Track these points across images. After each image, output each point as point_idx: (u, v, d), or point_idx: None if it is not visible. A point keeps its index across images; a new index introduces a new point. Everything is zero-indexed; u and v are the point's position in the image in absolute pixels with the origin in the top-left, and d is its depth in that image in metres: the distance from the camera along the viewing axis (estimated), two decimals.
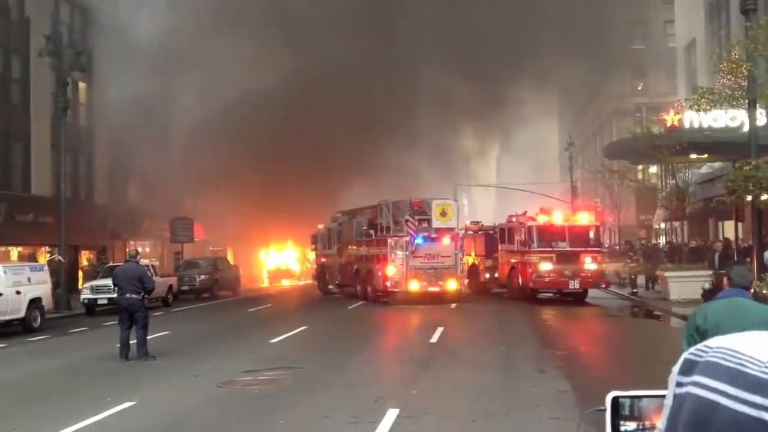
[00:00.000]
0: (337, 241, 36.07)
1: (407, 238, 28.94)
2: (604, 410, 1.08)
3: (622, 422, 1.06)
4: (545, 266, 27.99)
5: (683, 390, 0.86)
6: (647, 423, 1.05)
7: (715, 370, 0.83)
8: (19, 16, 36.92)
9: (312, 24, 50.72)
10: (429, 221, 29.53)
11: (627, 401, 1.06)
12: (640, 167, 44.60)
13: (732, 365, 0.83)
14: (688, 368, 0.87)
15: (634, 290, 30.24)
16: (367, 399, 10.93)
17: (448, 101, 61.46)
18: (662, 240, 45.83)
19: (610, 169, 43.02)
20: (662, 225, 46.53)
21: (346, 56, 49.44)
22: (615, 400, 1.04)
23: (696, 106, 19.79)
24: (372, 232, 31.92)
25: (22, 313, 21.76)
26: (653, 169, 40.43)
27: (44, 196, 36.11)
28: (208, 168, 48.30)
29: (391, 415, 9.69)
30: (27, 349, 18.69)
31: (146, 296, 16.30)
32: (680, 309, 23.06)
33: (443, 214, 29.64)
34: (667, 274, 26.91)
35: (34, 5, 37.41)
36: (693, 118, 25.16)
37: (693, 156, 29.19)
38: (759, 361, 0.83)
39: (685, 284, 24.87)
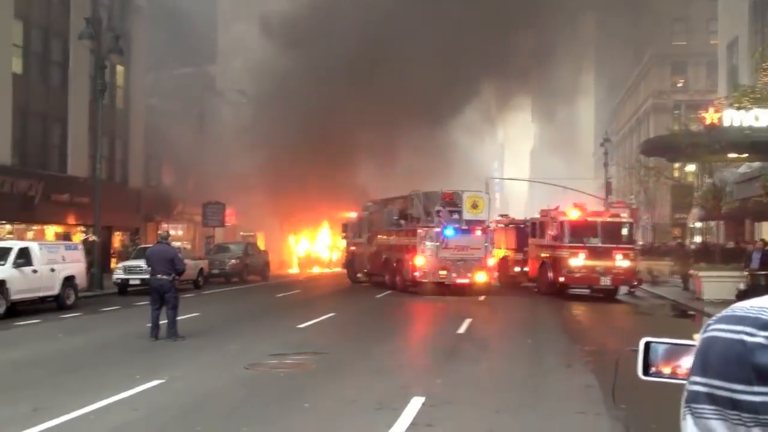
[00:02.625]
0: (368, 230, 36.13)
1: (437, 229, 28.90)
2: (637, 351, 1.27)
3: (652, 363, 1.28)
4: (576, 261, 27.78)
5: (705, 334, 1.10)
6: (672, 365, 1.26)
7: (728, 318, 1.07)
8: None
9: (348, 7, 50.66)
10: (460, 213, 29.46)
11: (658, 346, 1.28)
12: (676, 165, 44.01)
13: (738, 313, 1.07)
14: (717, 320, 1.10)
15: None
16: (392, 386, 10.95)
17: (484, 93, 61.17)
18: (697, 239, 45.26)
19: (646, 166, 42.61)
20: (697, 224, 45.94)
21: (384, 40, 49.31)
22: (647, 344, 1.26)
23: (737, 104, 19.42)
24: (402, 221, 31.93)
25: (56, 291, 22.16)
26: (690, 167, 39.82)
27: (80, 177, 36.61)
28: (241, 153, 48.59)
29: (416, 403, 9.70)
30: (60, 325, 19.00)
31: (177, 277, 16.45)
32: (713, 309, 22.77)
33: (474, 206, 29.55)
34: (700, 274, 26.56)
35: None
36: (733, 117, 24.68)
37: (732, 155, 28.71)
38: (751, 305, 1.07)
39: (719, 284, 24.54)
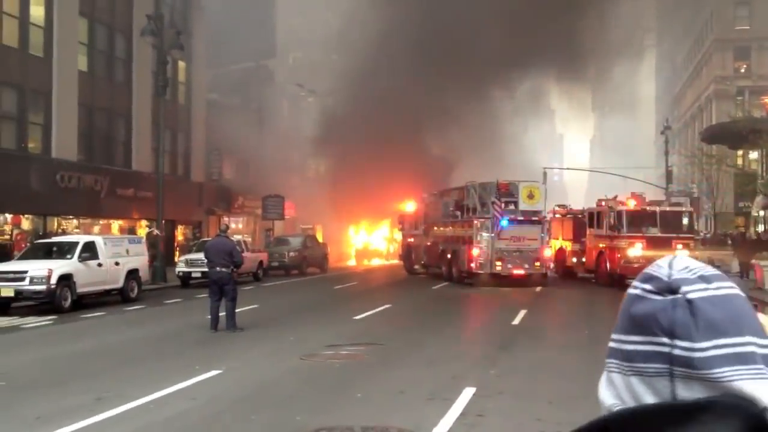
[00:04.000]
0: (424, 222, 36.23)
1: (493, 220, 28.84)
2: None
3: None
4: (634, 252, 27.45)
5: None
6: None
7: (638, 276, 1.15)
8: None
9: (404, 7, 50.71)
10: (516, 203, 29.35)
11: None
12: (739, 152, 43.02)
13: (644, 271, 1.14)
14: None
15: None
16: (444, 377, 11.09)
17: (545, 83, 60.66)
18: (761, 228, 44.17)
19: (708, 154, 41.76)
20: (761, 213, 44.84)
21: (445, 31, 49.27)
22: None
23: None
24: (458, 213, 31.93)
25: (120, 284, 22.80)
26: (753, 154, 38.93)
27: (144, 172, 37.47)
28: (300, 147, 49.09)
29: (468, 393, 9.83)
30: (124, 317, 19.60)
31: (235, 270, 16.81)
32: None
33: (530, 196, 29.41)
34: (762, 263, 26.00)
35: None
36: None
37: None
38: (659, 264, 1.13)
39: None
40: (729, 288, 1.10)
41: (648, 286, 1.10)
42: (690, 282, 1.08)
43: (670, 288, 1.08)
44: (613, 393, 1.11)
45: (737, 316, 1.07)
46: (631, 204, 28.62)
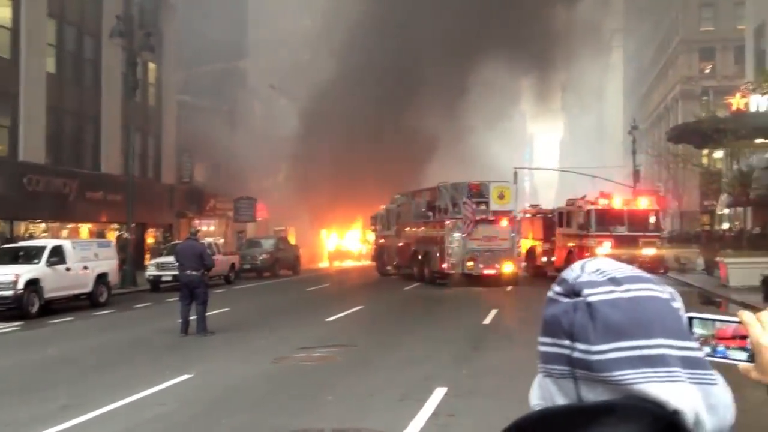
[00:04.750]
0: (396, 223, 36.31)
1: (465, 220, 29.00)
2: None
3: (699, 338, 1.25)
4: (603, 250, 27.75)
5: None
6: (721, 341, 1.26)
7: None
8: None
9: (374, 8, 50.81)
10: (487, 204, 29.54)
11: (703, 322, 1.27)
12: (705, 152, 43.60)
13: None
14: None
15: None
16: (416, 378, 11.15)
17: (514, 84, 61.04)
18: (725, 226, 44.82)
19: (674, 153, 42.31)
20: (726, 211, 45.51)
21: (414, 37, 49.46)
22: (690, 319, 1.23)
23: (759, 90, 19.33)
24: (430, 213, 32.06)
25: (89, 288, 22.61)
26: (718, 153, 39.45)
27: (113, 175, 37.13)
28: (273, 149, 48.96)
29: (439, 393, 9.90)
30: (93, 322, 19.46)
31: (206, 273, 16.76)
32: (739, 296, 22.68)
33: (501, 196, 29.63)
34: (726, 260, 26.42)
35: None
36: (760, 102, 24.54)
37: (759, 140, 28.49)
38: (573, 267, 1.15)
39: (745, 271, 24.39)
40: (641, 290, 1.10)
41: (558, 289, 1.12)
42: (595, 285, 1.09)
43: (573, 290, 1.09)
44: (538, 393, 1.13)
45: (645, 318, 1.07)
46: (599, 203, 28.95)
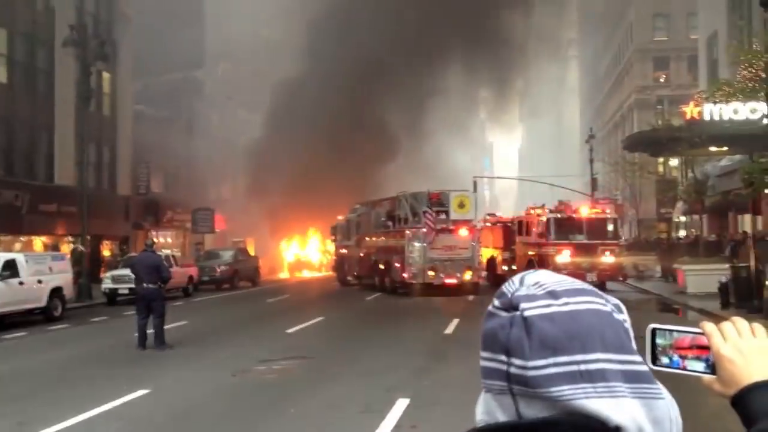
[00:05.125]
0: (356, 233, 36.22)
1: (425, 230, 29.01)
2: (644, 338, 1.26)
3: (659, 349, 1.27)
4: (562, 258, 27.95)
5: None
6: (678, 351, 1.25)
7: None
8: (44, 5, 37.24)
9: (335, 16, 50.84)
10: (447, 213, 29.60)
11: (664, 332, 1.27)
12: (661, 160, 44.26)
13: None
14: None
15: None
16: (378, 389, 11.06)
17: (473, 93, 61.54)
18: (682, 233, 45.54)
19: (630, 162, 42.87)
20: (682, 218, 46.24)
21: (370, 44, 49.54)
22: (653, 330, 1.25)
23: (712, 98, 19.62)
24: (390, 223, 32.03)
25: (43, 302, 22.08)
26: (673, 161, 40.09)
27: (67, 186, 36.43)
28: (231, 159, 48.65)
29: (401, 405, 9.82)
30: (47, 337, 19.01)
31: (163, 286, 16.48)
32: (697, 302, 23.00)
33: (461, 205, 29.71)
34: (684, 267, 26.78)
35: None
36: (713, 111, 24.89)
37: (713, 149, 28.94)
38: (513, 279, 1.14)
39: (702, 278, 24.75)
40: (580, 303, 1.08)
41: (497, 302, 1.10)
42: (532, 298, 1.07)
43: (511, 304, 1.07)
44: (482, 408, 1.11)
45: (583, 332, 1.05)
46: (558, 212, 29.22)
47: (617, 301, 1.13)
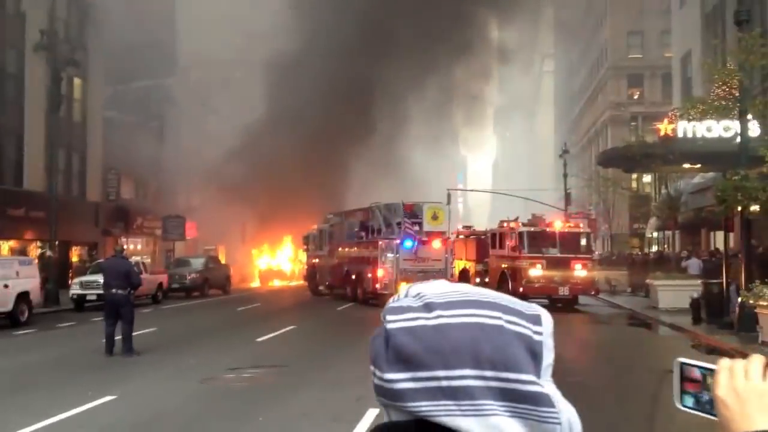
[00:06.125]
0: (329, 242, 36.09)
1: (397, 241, 28.94)
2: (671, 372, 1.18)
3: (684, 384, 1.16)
4: (535, 272, 27.99)
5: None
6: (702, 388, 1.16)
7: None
8: (15, 10, 36.87)
9: (314, 21, 50.86)
10: (420, 224, 29.55)
11: (690, 368, 1.16)
12: (634, 176, 44.65)
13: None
14: None
15: None
16: (348, 398, 10.91)
17: (447, 104, 61.74)
18: (655, 249, 45.90)
19: (604, 177, 43.17)
20: (655, 234, 46.61)
21: (347, 55, 49.61)
22: (681, 365, 1.15)
23: (686, 116, 19.77)
24: (363, 234, 31.93)
25: (9, 307, 21.72)
26: (647, 178, 40.41)
27: (36, 191, 36.01)
28: (201, 167, 48.32)
29: (372, 414, 9.67)
30: (12, 342, 18.65)
31: (132, 292, 16.23)
32: (668, 317, 23.11)
33: (434, 217, 29.67)
34: (656, 282, 26.92)
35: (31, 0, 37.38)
36: (687, 128, 25.13)
37: (686, 166, 29.21)
38: (400, 291, 1.13)
39: (674, 293, 24.90)
40: (458, 316, 1.01)
41: (382, 314, 1.08)
42: (399, 311, 1.04)
43: (384, 316, 1.06)
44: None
45: (449, 347, 0.99)
46: (531, 225, 29.30)
47: (538, 312, 1.06)
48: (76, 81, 41.22)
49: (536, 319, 1.04)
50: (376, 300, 29.56)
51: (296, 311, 29.32)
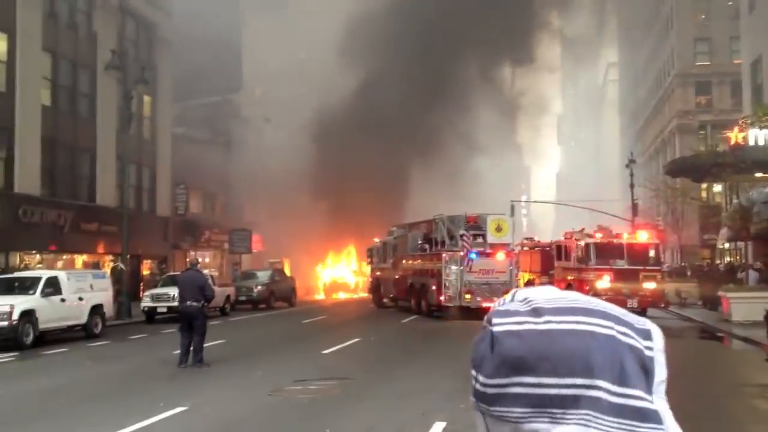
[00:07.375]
0: (393, 255, 36.16)
1: (462, 253, 28.85)
2: None
3: None
4: (602, 284, 27.58)
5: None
6: None
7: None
8: (86, 31, 38.05)
9: (375, 40, 51.19)
10: (484, 236, 29.42)
11: None
12: (704, 185, 43.63)
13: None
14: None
15: None
16: (414, 411, 10.93)
17: (511, 118, 61.53)
18: (727, 260, 44.71)
19: (672, 187, 42.28)
20: (726, 245, 45.41)
21: (416, 66, 49.82)
22: None
23: (757, 123, 19.31)
24: (427, 246, 31.92)
25: (84, 319, 22.36)
26: (718, 187, 39.45)
27: (108, 207, 37.06)
28: (268, 181, 48.99)
29: (438, 428, 9.68)
30: (87, 353, 19.17)
31: (206, 305, 16.54)
32: (742, 331, 22.49)
33: (498, 229, 29.50)
34: (729, 295, 26.23)
35: (102, 21, 38.55)
36: (758, 136, 24.53)
37: (758, 174, 28.45)
38: (506, 296, 1.07)
39: (748, 306, 24.21)
40: (567, 323, 0.98)
41: (487, 317, 1.05)
42: (507, 314, 1.00)
43: (489, 320, 1.02)
44: (479, 428, 1.05)
45: (558, 354, 0.96)
46: (598, 236, 28.87)
47: (648, 327, 1.02)
48: (146, 99, 42.32)
49: (647, 334, 1.01)
50: (440, 312, 29.51)
51: (361, 323, 29.43)
